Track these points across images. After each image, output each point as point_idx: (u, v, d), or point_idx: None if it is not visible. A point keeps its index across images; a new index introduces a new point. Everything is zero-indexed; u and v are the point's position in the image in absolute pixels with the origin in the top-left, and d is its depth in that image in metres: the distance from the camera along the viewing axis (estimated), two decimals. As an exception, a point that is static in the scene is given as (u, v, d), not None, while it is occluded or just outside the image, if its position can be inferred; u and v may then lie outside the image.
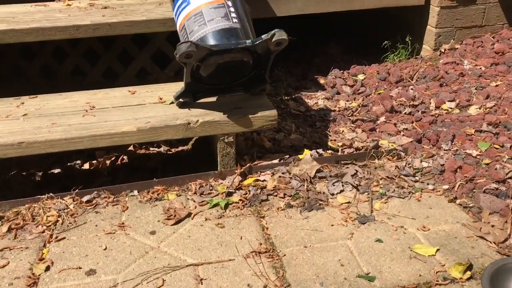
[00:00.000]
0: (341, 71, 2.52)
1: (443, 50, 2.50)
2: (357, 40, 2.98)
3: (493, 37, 2.51)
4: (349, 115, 2.10)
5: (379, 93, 2.24)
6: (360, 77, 2.43)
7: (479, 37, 2.53)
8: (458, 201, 1.52)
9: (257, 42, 1.51)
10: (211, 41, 1.53)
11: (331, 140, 1.88)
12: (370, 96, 2.25)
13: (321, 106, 2.18)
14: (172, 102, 1.68)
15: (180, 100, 1.64)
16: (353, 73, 2.49)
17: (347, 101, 2.22)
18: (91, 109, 1.66)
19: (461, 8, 2.47)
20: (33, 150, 1.49)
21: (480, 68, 2.29)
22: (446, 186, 1.58)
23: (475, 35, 2.54)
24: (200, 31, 1.55)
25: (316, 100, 2.24)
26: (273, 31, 1.51)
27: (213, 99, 1.70)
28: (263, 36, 1.51)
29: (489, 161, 1.65)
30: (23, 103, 1.71)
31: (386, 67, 2.49)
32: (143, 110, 1.65)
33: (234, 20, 1.58)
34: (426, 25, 2.56)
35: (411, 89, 2.22)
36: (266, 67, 1.64)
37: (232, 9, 1.59)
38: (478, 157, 1.69)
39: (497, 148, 1.73)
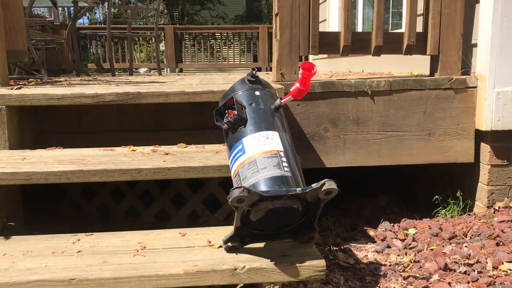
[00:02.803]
0: (391, 224, 2.49)
1: (497, 208, 2.45)
2: (406, 193, 2.99)
3: (549, 197, 2.45)
4: (401, 270, 2.02)
5: (432, 249, 2.17)
6: (411, 231, 2.39)
7: (534, 196, 2.49)
8: None
9: (307, 190, 1.56)
10: (263, 188, 1.60)
11: (382, 296, 1.80)
12: (422, 251, 2.18)
13: (371, 260, 2.12)
14: (220, 246, 1.70)
15: (229, 244, 1.66)
16: (403, 226, 2.46)
17: (398, 255, 2.16)
18: (142, 249, 1.70)
19: (512, 167, 2.48)
20: (83, 287, 1.51)
21: (538, 228, 2.21)
22: None
23: (530, 194, 2.50)
24: (253, 177, 1.63)
25: (365, 252, 2.20)
26: (323, 181, 1.56)
27: (261, 245, 1.71)
28: (313, 185, 1.56)
29: (558, 330, 1.51)
30: (79, 240, 1.78)
31: (438, 222, 2.45)
32: (192, 252, 1.67)
33: (286, 169, 1.66)
34: (477, 182, 2.56)
35: (465, 246, 2.15)
36: (315, 215, 1.66)
37: (284, 159, 1.68)
38: (544, 324, 1.55)
39: None
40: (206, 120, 2.20)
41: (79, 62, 5.31)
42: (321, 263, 1.61)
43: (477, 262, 2.01)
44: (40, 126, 2.41)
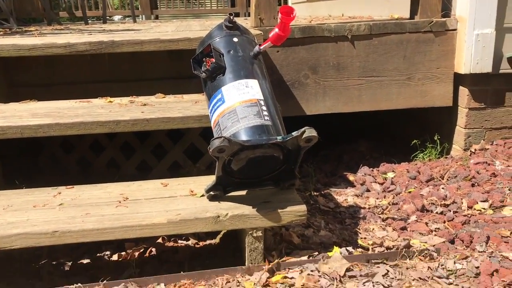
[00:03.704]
0: (371, 168, 2.53)
1: (473, 150, 2.50)
2: (386, 138, 3.02)
3: (524, 138, 2.51)
4: (379, 213, 2.08)
5: (410, 192, 2.23)
6: (390, 175, 2.44)
7: (510, 138, 2.54)
8: (497, 307, 1.44)
9: (287, 139, 1.56)
10: (244, 137, 1.59)
11: (361, 238, 1.85)
12: (401, 194, 2.23)
13: (351, 203, 2.17)
14: (202, 195, 1.71)
15: (211, 193, 1.67)
16: (382, 171, 2.50)
17: (377, 198, 2.21)
18: (124, 200, 1.71)
19: (489, 110, 2.52)
20: (66, 239, 1.52)
21: (512, 169, 2.27)
22: (483, 290, 1.51)
23: (506, 136, 2.55)
24: (233, 127, 1.62)
25: (345, 196, 2.24)
26: (303, 129, 1.56)
27: (243, 192, 1.73)
28: (293, 133, 1.56)
29: (527, 264, 1.58)
30: (60, 193, 1.77)
31: (416, 165, 2.50)
32: (174, 202, 1.68)
33: (266, 117, 1.65)
34: (455, 126, 2.60)
35: (442, 188, 2.20)
36: (296, 163, 1.68)
37: (264, 108, 1.67)
38: (515, 260, 1.62)
39: (535, 251, 1.66)
40: (184, 69, 2.16)
41: (50, 10, 5.10)
42: (302, 208, 1.64)
43: (453, 202, 2.07)
44: (11, 79, 2.33)
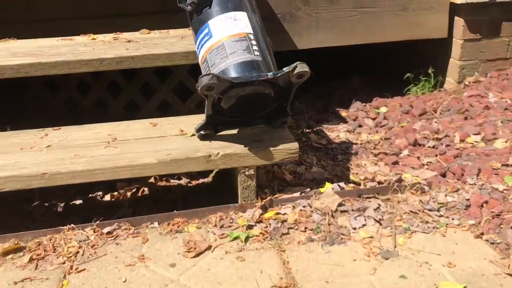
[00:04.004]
0: (363, 103, 2.51)
1: (467, 83, 2.47)
2: (379, 73, 2.97)
3: (518, 70, 2.48)
4: (372, 148, 2.07)
5: (402, 126, 2.22)
6: (383, 109, 2.42)
7: (504, 70, 2.50)
8: (484, 237, 1.47)
9: (278, 75, 1.52)
10: (233, 74, 1.55)
11: (353, 174, 1.85)
12: (393, 129, 2.22)
13: (343, 139, 2.16)
14: (193, 135, 1.69)
15: (201, 132, 1.64)
16: (375, 106, 2.48)
17: (369, 134, 2.20)
18: (113, 141, 1.68)
19: (485, 41, 2.46)
20: (56, 181, 1.51)
21: (506, 101, 2.25)
22: (472, 222, 1.53)
23: (500, 67, 2.51)
24: (222, 63, 1.57)
25: (337, 133, 2.23)
26: (294, 64, 1.51)
27: (234, 131, 1.70)
28: (284, 69, 1.52)
29: (517, 196, 1.60)
30: (47, 135, 1.74)
31: (409, 99, 2.47)
32: (165, 142, 1.66)
33: (256, 53, 1.59)
34: (449, 58, 2.54)
35: (435, 122, 2.19)
36: (287, 100, 1.64)
37: (254, 42, 1.61)
38: (505, 191, 1.64)
39: (525, 183, 1.68)
40: (170, 2, 2.06)
41: None
42: (294, 145, 1.62)
43: (446, 136, 2.07)
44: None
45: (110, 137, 1.70)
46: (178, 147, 1.61)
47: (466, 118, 2.19)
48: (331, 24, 2.38)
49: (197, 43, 1.67)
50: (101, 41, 1.95)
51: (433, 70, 2.54)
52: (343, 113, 2.45)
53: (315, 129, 2.27)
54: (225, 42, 1.59)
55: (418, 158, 1.94)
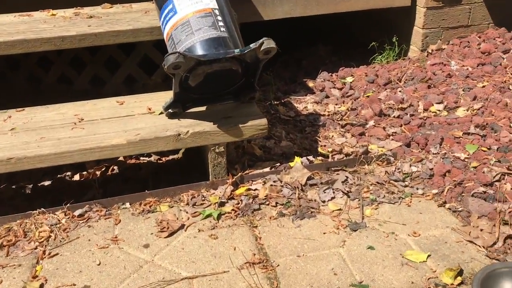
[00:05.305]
0: (330, 73, 2.52)
1: (430, 51, 2.52)
2: (345, 42, 2.98)
3: (479, 37, 2.53)
4: (339, 119, 2.11)
5: (368, 96, 2.25)
6: (349, 79, 2.44)
7: (465, 37, 2.55)
8: (447, 206, 1.54)
9: (245, 51, 1.51)
10: (199, 51, 1.53)
11: (321, 146, 1.89)
12: (359, 99, 2.26)
13: (311, 111, 2.18)
14: (161, 113, 1.67)
15: (170, 110, 1.63)
16: (341, 75, 2.50)
17: (336, 104, 2.23)
18: (79, 121, 1.65)
19: (447, 9, 2.49)
20: (23, 165, 1.48)
21: (467, 69, 2.31)
22: (435, 191, 1.60)
23: (462, 35, 2.56)
24: (187, 41, 1.55)
25: (305, 104, 2.25)
26: (261, 40, 1.51)
27: (203, 108, 1.70)
28: (251, 45, 1.51)
29: (477, 164, 1.67)
30: (10, 117, 1.69)
31: (374, 69, 2.50)
32: (133, 121, 1.64)
33: (222, 29, 1.58)
34: (413, 26, 2.57)
35: (400, 91, 2.24)
36: (255, 75, 1.64)
37: (219, 18, 1.59)
38: (466, 160, 1.71)
39: (484, 151, 1.75)
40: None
41: None
42: (263, 121, 1.64)
43: (410, 105, 2.12)
44: None
45: (76, 117, 1.67)
46: (147, 126, 1.60)
47: (429, 87, 2.24)
48: (296, -6, 2.36)
49: (162, 19, 1.64)
50: (61, 17, 1.89)
51: (397, 38, 2.57)
52: (310, 83, 2.47)
53: (283, 101, 2.29)
54: (190, 18, 1.56)
55: (384, 128, 1.98)
